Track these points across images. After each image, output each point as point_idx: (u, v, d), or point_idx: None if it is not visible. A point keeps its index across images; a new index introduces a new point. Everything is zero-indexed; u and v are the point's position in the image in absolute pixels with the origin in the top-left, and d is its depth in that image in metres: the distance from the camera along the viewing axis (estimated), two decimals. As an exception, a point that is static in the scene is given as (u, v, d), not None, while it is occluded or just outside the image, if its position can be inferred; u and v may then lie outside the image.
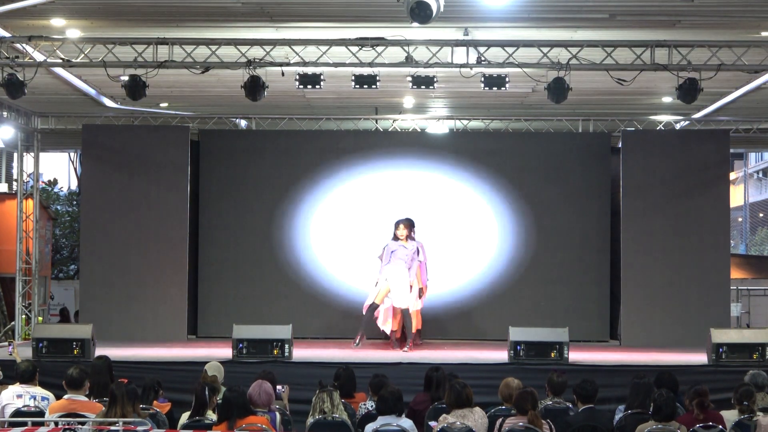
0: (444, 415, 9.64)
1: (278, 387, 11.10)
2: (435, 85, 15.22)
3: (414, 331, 16.56)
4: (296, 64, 14.93)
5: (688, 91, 14.70)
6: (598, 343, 18.44)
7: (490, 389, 11.22)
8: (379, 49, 14.62)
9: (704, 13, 13.99)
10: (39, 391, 10.58)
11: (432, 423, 9.91)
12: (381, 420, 9.49)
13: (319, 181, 19.57)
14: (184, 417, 9.81)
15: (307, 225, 19.43)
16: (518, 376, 10.65)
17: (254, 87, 14.83)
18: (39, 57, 15.09)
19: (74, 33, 14.91)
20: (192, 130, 19.51)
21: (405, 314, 16.40)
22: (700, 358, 15.18)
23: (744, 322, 21.15)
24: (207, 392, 9.83)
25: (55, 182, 26.21)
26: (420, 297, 16.59)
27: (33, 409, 10.25)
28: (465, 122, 20.09)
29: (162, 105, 19.79)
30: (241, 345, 14.89)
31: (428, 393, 10.98)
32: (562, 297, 19.20)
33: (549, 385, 10.92)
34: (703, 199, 18.84)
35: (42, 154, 20.64)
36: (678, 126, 19.82)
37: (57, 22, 14.47)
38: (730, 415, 9.98)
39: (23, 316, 19.25)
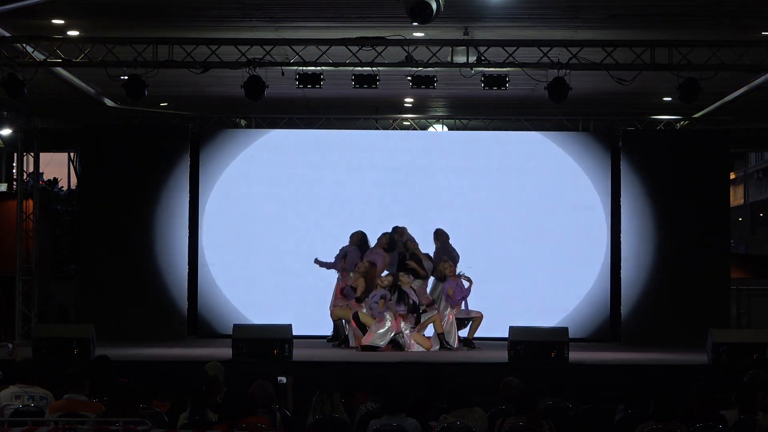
0: (444, 415, 9.62)
1: (280, 378, 11.04)
2: (435, 85, 15.22)
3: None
4: (296, 64, 14.93)
5: (688, 91, 14.70)
6: (598, 343, 18.43)
7: (490, 389, 11.19)
8: (379, 49, 14.63)
9: (704, 13, 14.00)
10: (38, 390, 10.54)
11: (432, 423, 9.90)
12: (385, 418, 9.48)
13: (319, 181, 19.55)
14: (183, 417, 9.80)
15: (307, 224, 19.41)
16: (518, 376, 10.63)
17: (254, 87, 14.83)
18: (39, 57, 15.09)
19: (74, 33, 14.91)
20: (192, 130, 19.51)
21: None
22: (700, 358, 15.17)
23: (743, 321, 21.09)
24: (204, 390, 9.83)
25: (55, 182, 26.17)
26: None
27: (32, 408, 10.22)
28: (465, 122, 20.08)
29: (162, 105, 19.79)
30: (241, 345, 14.87)
31: (428, 393, 10.96)
32: (563, 297, 19.18)
33: (548, 385, 10.90)
34: (703, 199, 18.84)
35: (42, 154, 20.64)
36: (678, 126, 19.82)
37: (57, 22, 14.47)
38: (730, 415, 9.96)
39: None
